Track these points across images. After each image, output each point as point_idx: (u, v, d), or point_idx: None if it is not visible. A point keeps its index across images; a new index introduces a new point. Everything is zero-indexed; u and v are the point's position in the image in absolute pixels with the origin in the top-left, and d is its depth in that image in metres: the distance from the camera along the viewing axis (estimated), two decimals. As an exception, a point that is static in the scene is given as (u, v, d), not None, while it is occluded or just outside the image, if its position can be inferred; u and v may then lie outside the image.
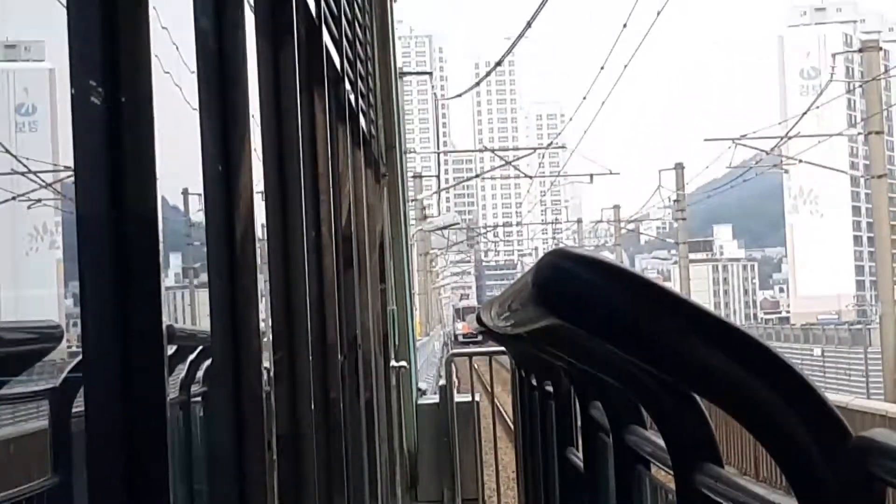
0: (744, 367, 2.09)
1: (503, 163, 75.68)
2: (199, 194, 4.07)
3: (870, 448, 1.85)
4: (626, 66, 38.29)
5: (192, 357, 4.51)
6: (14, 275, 3.18)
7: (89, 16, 2.60)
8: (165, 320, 2.75)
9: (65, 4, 2.59)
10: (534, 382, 8.44)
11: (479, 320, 5.96)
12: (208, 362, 4.33)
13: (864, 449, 1.87)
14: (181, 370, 4.47)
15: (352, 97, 9.77)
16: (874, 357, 40.66)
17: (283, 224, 5.66)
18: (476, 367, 18.69)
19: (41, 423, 3.09)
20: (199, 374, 4.51)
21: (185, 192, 4.27)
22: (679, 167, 66.18)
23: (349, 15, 9.83)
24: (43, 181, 3.11)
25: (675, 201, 67.32)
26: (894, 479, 1.79)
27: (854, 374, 47.65)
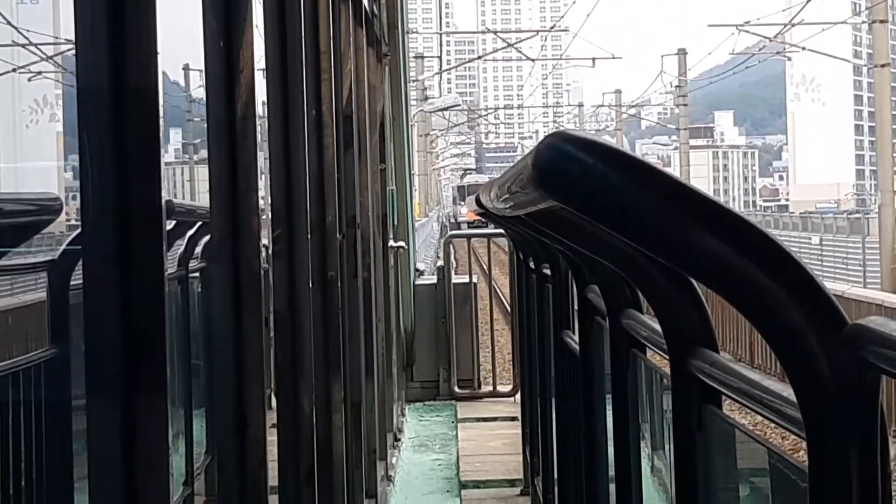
0: (742, 253, 2.09)
1: (505, 45, 75.37)
2: (200, 70, 4.06)
3: (865, 336, 1.85)
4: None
5: (191, 232, 4.53)
6: (14, 147, 3.18)
7: None
8: (164, 195, 2.76)
9: None
10: (532, 265, 8.46)
11: (478, 202, 5.96)
12: (207, 238, 4.34)
13: (859, 337, 1.88)
14: (180, 245, 4.49)
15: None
16: (872, 247, 40.70)
17: (284, 102, 5.65)
18: (474, 248, 18.73)
19: (39, 295, 3.11)
20: (198, 249, 4.53)
21: (186, 68, 4.26)
22: (682, 52, 65.86)
23: None
24: (44, 54, 3.10)
25: (676, 87, 67.09)
26: (888, 367, 1.79)
27: (851, 264, 47.75)
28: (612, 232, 2.51)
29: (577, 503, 6.28)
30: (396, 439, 13.30)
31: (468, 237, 19.06)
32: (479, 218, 11.88)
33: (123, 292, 2.63)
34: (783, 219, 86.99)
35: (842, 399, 1.92)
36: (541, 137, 2.55)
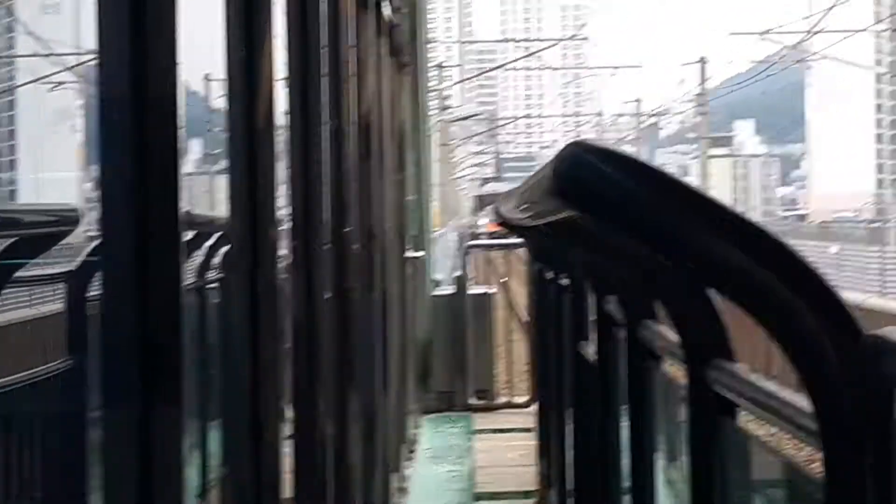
0: (760, 264, 2.10)
1: (525, 54, 75.39)
2: (221, 80, 4.08)
3: (882, 347, 1.86)
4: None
5: (209, 243, 4.54)
6: (34, 157, 3.20)
7: None
8: (183, 206, 2.77)
9: None
10: (549, 276, 8.47)
11: (496, 212, 5.98)
12: (226, 248, 4.35)
13: (875, 347, 1.88)
14: (198, 256, 4.50)
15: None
16: (891, 256, 40.65)
17: (304, 111, 5.66)
18: (492, 259, 18.73)
19: (58, 306, 3.12)
20: (216, 260, 4.54)
21: (207, 78, 4.28)
22: (702, 61, 65.83)
23: None
24: (65, 64, 3.11)
25: (697, 95, 67.06)
26: None
27: (870, 273, 47.58)
28: (631, 242, 2.52)
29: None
30: (411, 451, 13.30)
31: (486, 247, 19.09)
32: (500, 229, 11.84)
33: (141, 303, 2.65)
34: (802, 228, 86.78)
35: (858, 410, 1.93)
36: (559, 147, 2.57)
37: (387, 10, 11.28)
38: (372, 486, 8.49)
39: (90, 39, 2.65)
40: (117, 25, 2.62)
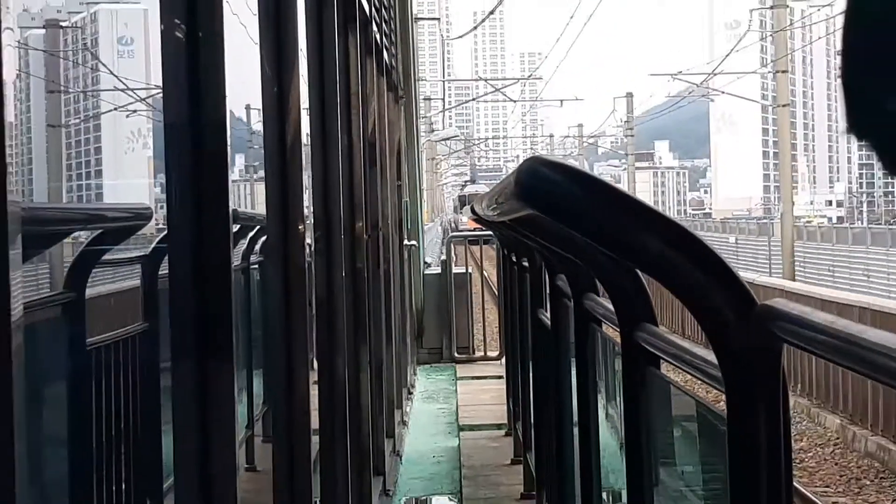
0: (675, 250, 2.09)
1: (493, 90, 75.31)
2: (258, 108, 4.06)
3: (771, 313, 1.85)
4: (590, 17, 37.97)
5: (251, 234, 4.52)
6: (116, 168, 3.17)
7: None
8: (231, 205, 2.76)
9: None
10: (514, 259, 8.46)
11: (472, 210, 5.95)
12: (264, 238, 4.34)
13: (766, 313, 1.88)
14: (243, 244, 4.48)
15: (377, 36, 9.69)
16: (776, 245, 40.67)
17: (323, 133, 5.65)
18: (469, 248, 18.71)
19: (135, 283, 3.11)
20: (257, 247, 4.52)
21: (248, 107, 4.25)
22: (629, 95, 65.65)
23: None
24: (138, 96, 3.09)
25: (625, 122, 66.92)
26: (789, 338, 1.79)
27: (760, 258, 47.69)
28: (576, 233, 2.51)
29: (548, 443, 6.28)
30: (410, 392, 13.29)
31: (465, 238, 19.05)
32: (478, 226, 11.75)
33: (199, 280, 2.64)
34: (707, 224, 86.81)
35: (753, 362, 1.92)
36: (519, 161, 2.55)
37: (386, 56, 11.26)
38: (381, 420, 8.48)
39: (157, 76, 2.63)
40: (177, 66, 2.61)
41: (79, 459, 2.71)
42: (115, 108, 3.02)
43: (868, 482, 14.32)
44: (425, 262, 17.85)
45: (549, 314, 5.69)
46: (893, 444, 14.68)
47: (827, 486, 14.09)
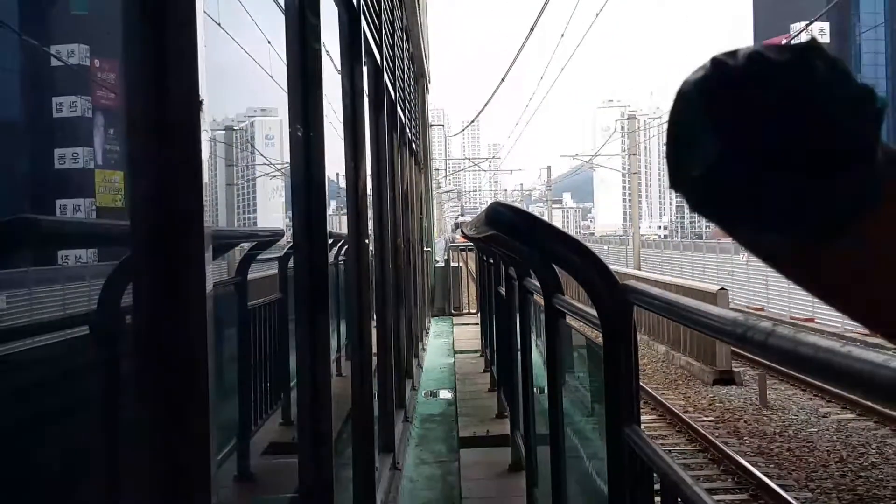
0: (573, 252, 2.09)
1: (473, 164, 75.43)
2: (342, 174, 4.06)
3: (626, 288, 1.86)
4: (527, 123, 37.94)
5: (339, 244, 4.51)
6: (276, 208, 3.17)
7: (296, 98, 2.58)
8: (328, 228, 2.76)
9: (285, 88, 2.57)
10: (484, 259, 8.45)
11: (462, 231, 5.94)
12: (346, 247, 4.34)
13: (624, 288, 1.88)
14: (334, 250, 4.48)
15: (410, 135, 9.70)
16: (631, 250, 40.57)
17: (380, 189, 5.65)
18: (461, 253, 18.69)
19: (274, 271, 3.11)
20: (342, 252, 4.52)
21: (337, 174, 4.25)
22: (549, 168, 65.47)
23: (403, 88, 9.70)
24: (277, 168, 3.09)
25: (546, 182, 66.72)
26: (637, 301, 1.80)
27: (621, 258, 47.50)
28: (518, 243, 2.51)
29: (501, 360, 6.28)
30: (426, 332, 13.27)
31: (459, 247, 19.02)
32: (465, 240, 11.77)
33: (310, 271, 2.64)
34: (591, 238, 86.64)
35: (616, 315, 1.93)
36: (488, 203, 2.57)
37: (414, 145, 11.25)
38: (411, 347, 8.47)
39: (286, 157, 2.64)
40: (298, 152, 2.61)
41: (247, 367, 2.70)
42: (263, 175, 3.02)
43: (680, 382, 14.32)
44: (436, 260, 17.83)
45: (503, 290, 5.69)
46: (694, 361, 14.67)
47: (658, 384, 14.08)
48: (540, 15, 13.72)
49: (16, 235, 1.15)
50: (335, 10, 3.78)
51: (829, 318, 18.87)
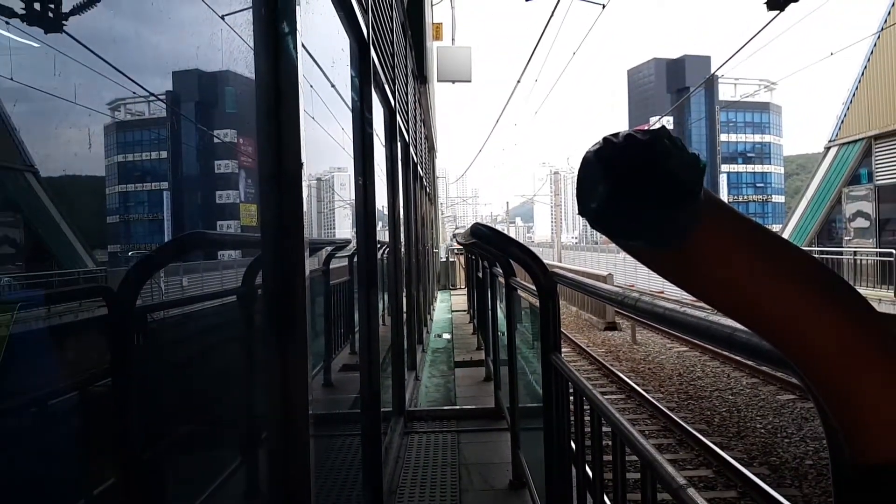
0: (520, 251, 2.09)
1: (462, 200, 74.87)
2: (385, 206, 3.99)
3: (553, 272, 1.86)
4: (498, 175, 37.61)
5: (383, 248, 4.41)
6: (346, 227, 3.14)
7: (359, 161, 2.57)
8: (377, 238, 2.70)
9: (352, 155, 2.55)
10: (471, 257, 8.35)
11: (456, 241, 5.86)
12: (387, 250, 4.24)
13: (551, 273, 1.88)
14: (381, 251, 4.38)
15: (422, 176, 9.59)
16: (555, 252, 40.21)
17: (407, 214, 5.57)
18: (458, 255, 18.54)
19: (345, 263, 3.06)
20: (384, 252, 4.41)
21: (383, 206, 4.18)
22: (507, 203, 65.01)
23: (421, 154, 9.58)
24: (347, 201, 3.07)
25: (506, 212, 66.24)
26: (560, 282, 1.79)
27: (550, 257, 47.15)
28: (490, 247, 2.50)
29: (481, 318, 6.21)
30: (434, 300, 13.13)
31: (455, 250, 18.89)
32: (459, 245, 11.67)
33: (368, 264, 2.60)
34: (532, 245, 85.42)
35: (546, 287, 1.93)
36: (469, 223, 2.54)
37: (426, 183, 11.12)
38: (424, 309, 8.40)
39: (352, 196, 2.62)
40: (359, 192, 2.58)
41: (329, 320, 2.66)
42: (339, 207, 3.00)
43: (584, 329, 14.26)
44: (440, 257, 17.72)
45: (481, 275, 5.64)
46: (593, 316, 14.60)
47: (571, 330, 14.03)
48: (502, 113, 14.21)
49: (194, 243, 1.24)
50: (381, 109, 3.77)
51: (672, 291, 18.79)
